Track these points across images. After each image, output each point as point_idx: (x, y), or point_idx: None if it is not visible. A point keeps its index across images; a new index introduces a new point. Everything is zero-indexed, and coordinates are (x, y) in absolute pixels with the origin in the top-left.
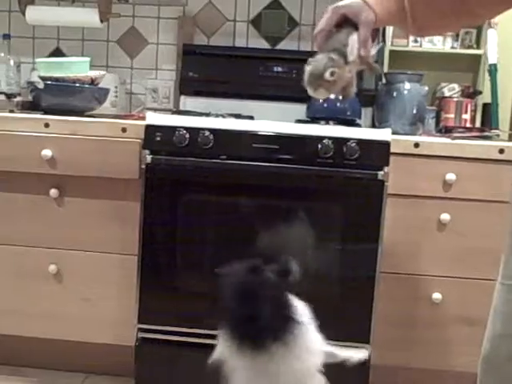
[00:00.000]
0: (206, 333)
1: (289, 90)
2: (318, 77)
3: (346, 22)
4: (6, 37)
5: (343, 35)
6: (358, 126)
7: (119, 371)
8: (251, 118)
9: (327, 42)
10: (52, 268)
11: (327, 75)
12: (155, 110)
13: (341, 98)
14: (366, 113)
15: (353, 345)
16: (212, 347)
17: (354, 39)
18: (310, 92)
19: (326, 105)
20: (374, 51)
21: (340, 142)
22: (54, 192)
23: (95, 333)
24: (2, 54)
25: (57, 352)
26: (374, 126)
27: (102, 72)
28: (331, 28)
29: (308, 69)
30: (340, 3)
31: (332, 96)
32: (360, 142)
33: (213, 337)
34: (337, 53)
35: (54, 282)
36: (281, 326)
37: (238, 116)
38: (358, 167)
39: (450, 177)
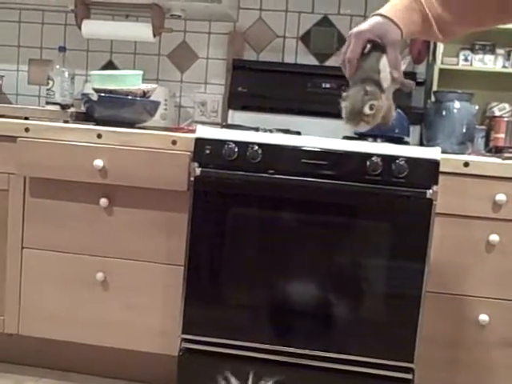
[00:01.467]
0: (249, 345)
1: (336, 107)
2: (358, 113)
3: (372, 45)
4: (62, 49)
5: (373, 61)
6: (407, 143)
7: (162, 380)
8: (298, 133)
9: (357, 70)
10: (99, 276)
11: (367, 110)
12: (203, 123)
13: (381, 125)
14: (414, 131)
15: (397, 364)
16: (254, 360)
17: (384, 64)
18: (352, 127)
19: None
20: (404, 67)
21: (389, 159)
22: (104, 201)
23: (139, 341)
24: (58, 66)
25: (101, 358)
26: (422, 144)
27: (154, 85)
28: (359, 56)
29: (345, 105)
30: (362, 28)
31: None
32: (409, 160)
33: (255, 350)
34: (371, 82)
35: (101, 289)
36: None
37: (286, 131)
38: (407, 185)
39: (500, 197)
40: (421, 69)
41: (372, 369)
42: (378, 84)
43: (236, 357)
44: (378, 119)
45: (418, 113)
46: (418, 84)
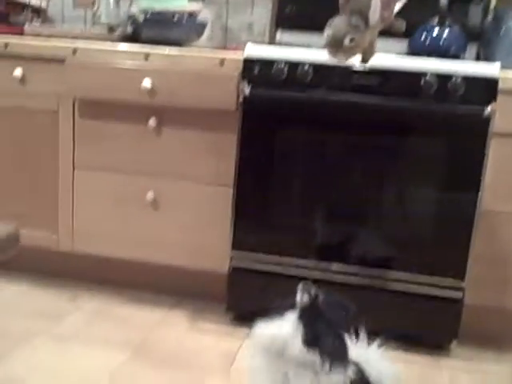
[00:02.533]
0: (297, 263)
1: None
2: (338, 42)
3: None
4: None
5: None
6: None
7: (212, 297)
8: None
9: (350, 1)
10: (149, 195)
11: (347, 41)
12: None
13: (360, 61)
14: (471, 49)
15: (448, 283)
16: (299, 278)
17: (377, 1)
18: (329, 55)
19: (428, 39)
20: (398, 7)
21: (445, 76)
22: (152, 122)
23: (189, 259)
24: None
25: (153, 275)
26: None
27: (201, 6)
28: None
29: (328, 33)
30: None
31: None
32: (466, 77)
33: (303, 267)
34: (358, 16)
35: (151, 209)
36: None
37: None
38: (463, 103)
39: None
40: None
41: (422, 286)
42: (365, 19)
43: (284, 275)
44: (356, 53)
45: (475, 31)
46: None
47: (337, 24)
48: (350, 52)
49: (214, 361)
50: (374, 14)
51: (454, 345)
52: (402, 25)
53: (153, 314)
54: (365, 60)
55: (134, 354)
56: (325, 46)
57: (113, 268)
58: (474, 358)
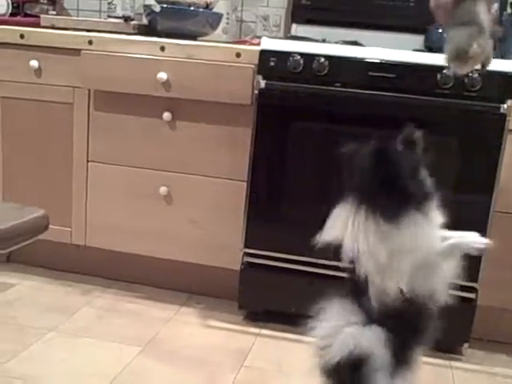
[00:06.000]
0: (308, 260)
1: (405, 20)
2: (463, 53)
3: None
4: None
5: (470, 6)
6: None
7: (224, 294)
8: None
9: (452, 15)
10: (163, 190)
11: (475, 47)
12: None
13: (480, 68)
14: None
15: (460, 283)
16: (313, 275)
17: (481, 7)
18: (456, 69)
19: (445, 34)
20: (493, 10)
21: None
22: (167, 115)
23: (201, 255)
24: None
25: (165, 271)
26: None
27: None
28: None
29: (450, 47)
30: None
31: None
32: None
33: (314, 265)
34: (472, 25)
35: (164, 203)
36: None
37: (353, 43)
38: (479, 99)
39: None
40: None
41: None
42: (481, 27)
43: (296, 272)
44: (480, 61)
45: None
46: None
47: (454, 36)
48: (475, 60)
49: (226, 358)
50: (485, 20)
51: (466, 346)
52: (498, 29)
53: (165, 310)
54: (485, 66)
55: (146, 350)
56: (449, 62)
57: (125, 263)
58: (486, 360)
